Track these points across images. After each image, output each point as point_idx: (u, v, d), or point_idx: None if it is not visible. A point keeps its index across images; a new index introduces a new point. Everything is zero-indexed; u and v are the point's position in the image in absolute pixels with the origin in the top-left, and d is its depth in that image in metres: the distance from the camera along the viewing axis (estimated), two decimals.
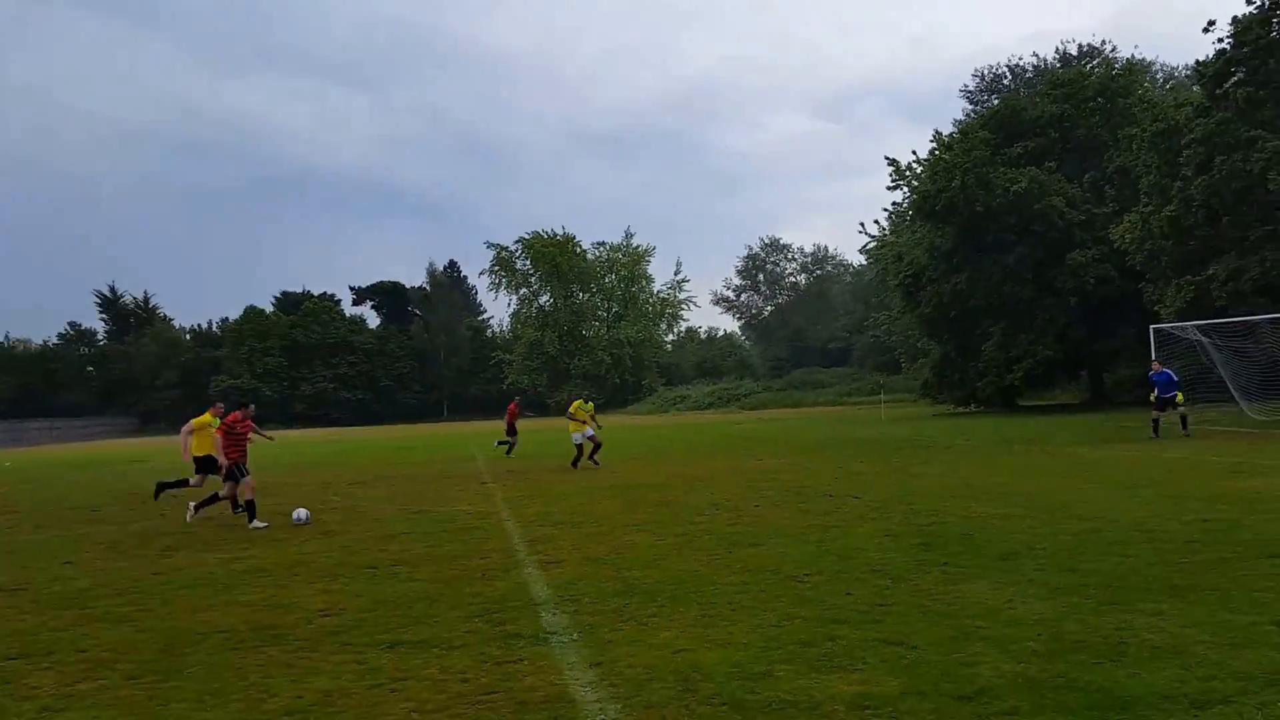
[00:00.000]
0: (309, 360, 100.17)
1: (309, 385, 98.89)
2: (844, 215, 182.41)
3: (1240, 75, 31.34)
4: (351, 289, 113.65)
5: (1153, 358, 27.71)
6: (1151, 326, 29.20)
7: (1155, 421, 22.60)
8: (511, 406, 29.05)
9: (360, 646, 6.61)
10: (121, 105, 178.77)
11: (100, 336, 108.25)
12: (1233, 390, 27.17)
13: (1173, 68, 65.36)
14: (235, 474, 13.88)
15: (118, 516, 15.97)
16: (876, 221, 71.95)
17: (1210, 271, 31.34)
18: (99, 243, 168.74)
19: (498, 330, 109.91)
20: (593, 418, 21.87)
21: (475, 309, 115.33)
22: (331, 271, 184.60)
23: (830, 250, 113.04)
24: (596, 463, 21.46)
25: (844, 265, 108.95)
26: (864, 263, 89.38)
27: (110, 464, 34.26)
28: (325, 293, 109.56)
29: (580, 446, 21.29)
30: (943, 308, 43.67)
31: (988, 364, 41.74)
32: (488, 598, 7.99)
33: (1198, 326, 27.72)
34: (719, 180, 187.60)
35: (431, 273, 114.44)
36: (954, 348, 44.60)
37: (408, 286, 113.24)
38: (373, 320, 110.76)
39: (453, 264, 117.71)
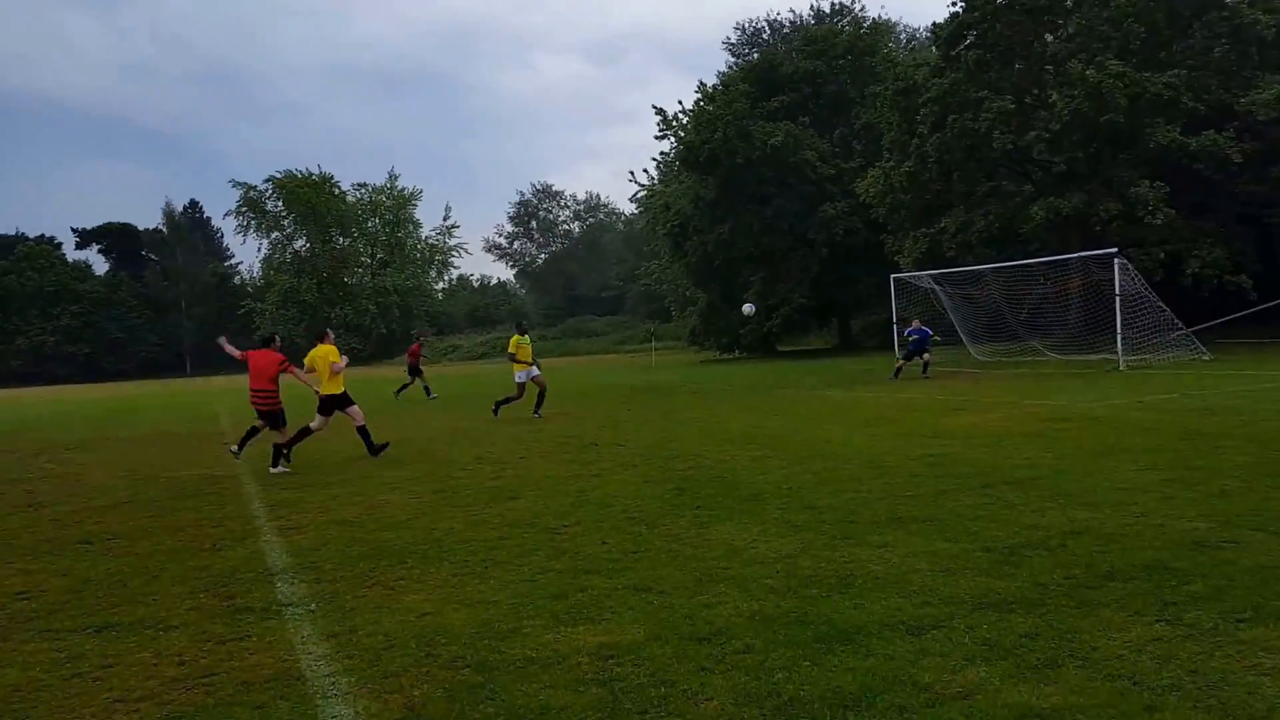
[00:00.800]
0: (23, 310, 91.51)
1: (24, 339, 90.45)
2: (615, 163, 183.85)
3: (971, 38, 33.48)
4: (74, 231, 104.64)
5: (893, 305, 29.58)
6: (892, 276, 31.03)
7: (899, 369, 24.09)
8: (415, 347, 29.40)
9: (61, 632, 6.00)
10: None
11: None
12: (961, 334, 29.38)
13: (914, 29, 69.36)
14: None
15: None
16: (646, 171, 73.26)
17: (942, 224, 33.60)
18: None
19: (248, 277, 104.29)
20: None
21: (221, 254, 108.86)
22: (50, 213, 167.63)
23: (602, 198, 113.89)
24: (539, 415, 18.96)
25: (616, 214, 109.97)
26: (635, 212, 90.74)
27: None
28: (43, 235, 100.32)
29: (522, 387, 19.17)
30: (707, 257, 44.88)
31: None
32: (216, 570, 7.46)
33: (931, 275, 29.72)
34: (488, 122, 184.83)
35: (169, 214, 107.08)
36: (719, 296, 45.99)
37: (140, 229, 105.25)
38: (100, 266, 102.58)
39: (194, 204, 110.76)
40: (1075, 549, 6.17)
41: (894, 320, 30.17)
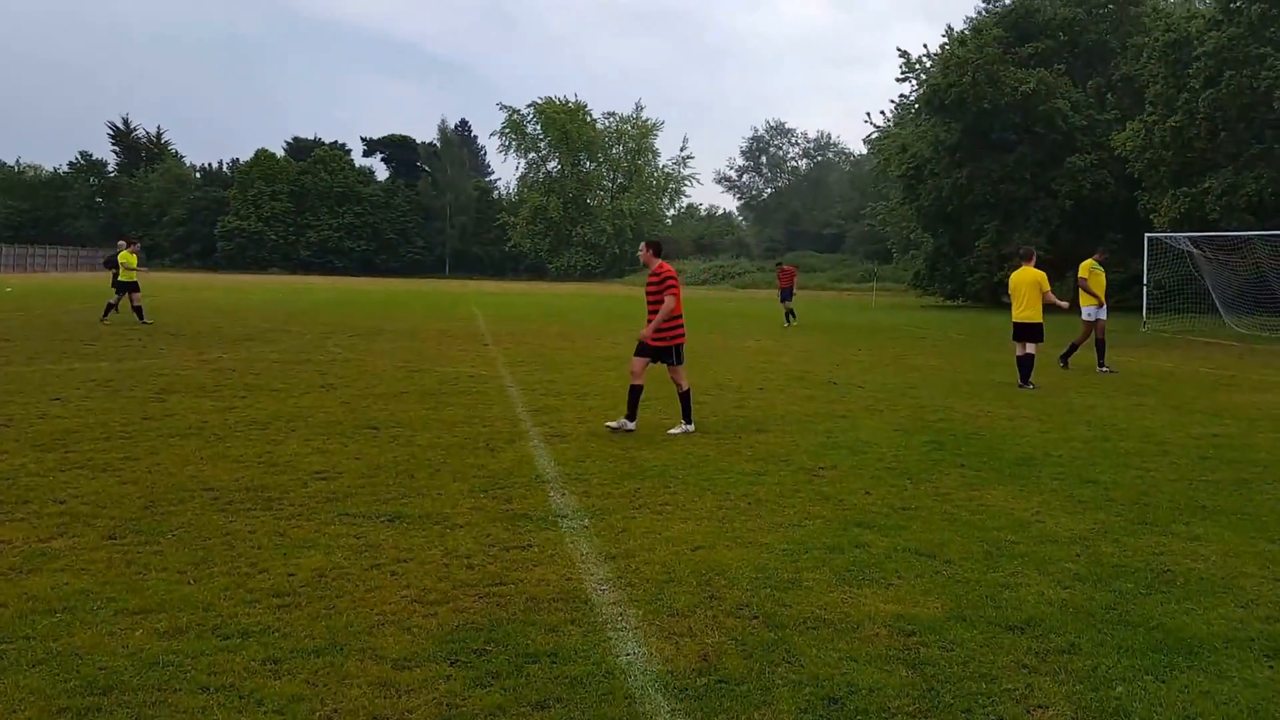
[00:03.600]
0: (315, 208, 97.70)
1: (314, 233, 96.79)
2: (848, 104, 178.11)
3: None
4: (363, 140, 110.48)
5: (1145, 266, 26.99)
6: (1147, 235, 28.30)
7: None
8: (790, 269, 28.27)
9: (358, 518, 5.96)
10: None
11: (111, 169, 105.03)
12: (1217, 302, 26.51)
13: None
14: None
15: (113, 352, 15.24)
16: (883, 113, 70.03)
17: (1207, 184, 30.28)
18: (116, 74, 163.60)
19: (504, 192, 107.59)
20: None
21: (483, 170, 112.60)
22: (344, 122, 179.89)
23: (833, 137, 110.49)
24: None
25: (844, 153, 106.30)
26: (865, 152, 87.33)
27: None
28: (336, 142, 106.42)
29: (1090, 327, 15.84)
30: (941, 201, 42.47)
31: (979, 259, 40.82)
32: (492, 471, 7.34)
33: (1189, 238, 26.86)
34: (728, 60, 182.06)
35: (443, 129, 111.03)
36: (948, 241, 43.52)
37: (418, 142, 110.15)
38: (381, 173, 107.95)
39: (464, 123, 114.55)
40: None
41: (1144, 282, 27.55)
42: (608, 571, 5.06)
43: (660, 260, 9.31)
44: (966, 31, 45.48)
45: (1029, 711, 3.52)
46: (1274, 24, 29.13)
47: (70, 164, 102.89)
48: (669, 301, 9.00)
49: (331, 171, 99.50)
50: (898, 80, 60.38)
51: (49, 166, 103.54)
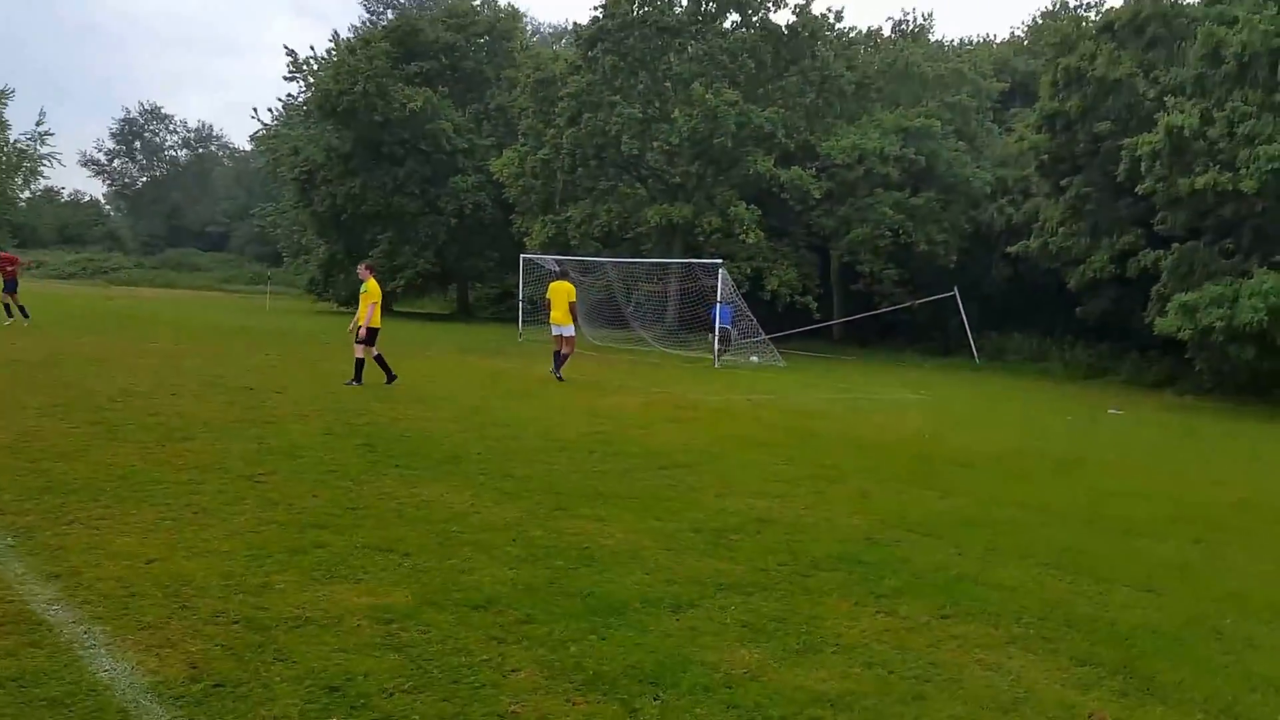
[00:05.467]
0: None
1: None
2: (228, 95, 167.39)
3: (608, 44, 34.51)
4: None
5: (521, 283, 29.99)
6: (522, 255, 31.47)
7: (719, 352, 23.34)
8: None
9: None
10: None
11: None
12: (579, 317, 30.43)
13: (539, 23, 70.74)
14: None
15: None
16: (270, 110, 67.99)
17: (569, 214, 34.57)
18: None
19: None
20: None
21: None
22: None
23: (215, 129, 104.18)
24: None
25: (228, 148, 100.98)
26: (250, 148, 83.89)
27: None
28: None
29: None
30: (336, 209, 42.63)
31: (375, 268, 41.82)
32: None
33: (555, 259, 30.49)
34: (88, 31, 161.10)
35: None
36: (343, 249, 43.87)
37: None
38: None
39: None
40: (770, 537, 6.65)
41: (519, 297, 30.62)
42: (55, 591, 4.67)
43: None
44: (354, 40, 46.35)
45: (505, 676, 4.08)
46: (622, 75, 34.20)
47: None
48: None
49: None
50: (285, 79, 59.25)
51: None
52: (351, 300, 43.68)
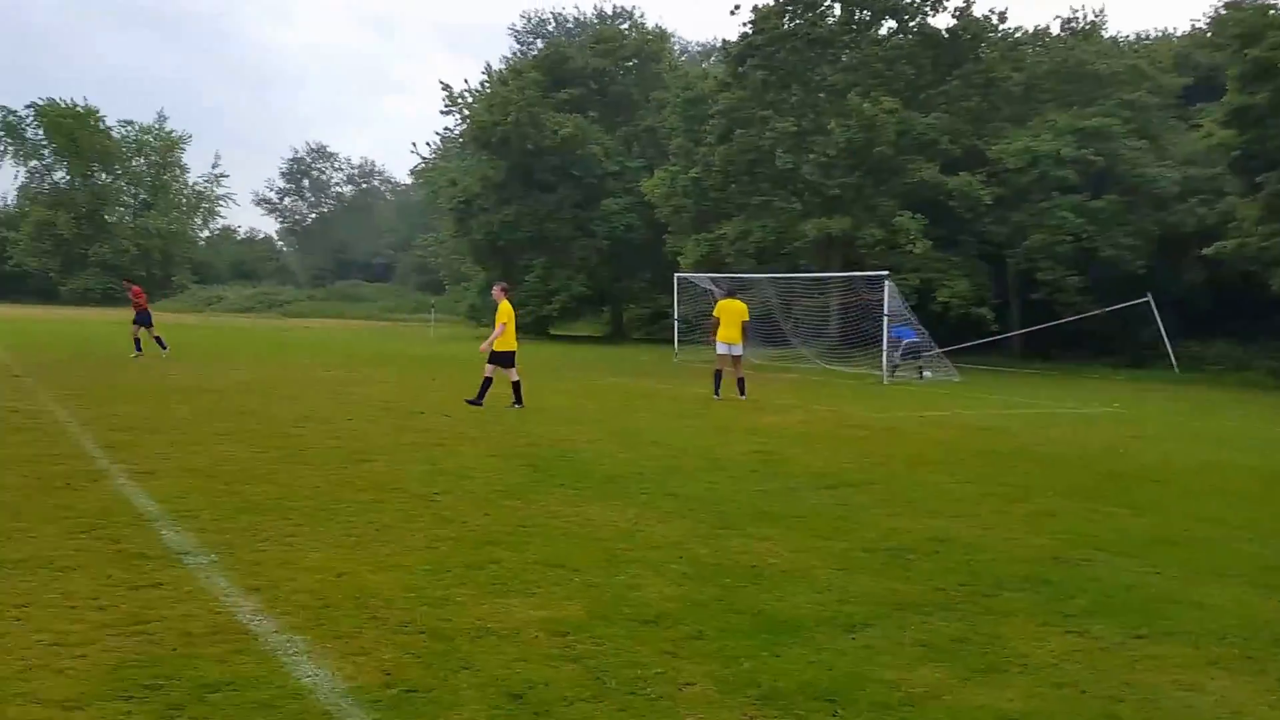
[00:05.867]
0: None
1: None
2: (388, 132, 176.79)
3: (757, 59, 34.67)
4: None
5: (675, 302, 30.29)
6: (676, 275, 31.83)
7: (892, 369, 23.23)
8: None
9: None
10: None
11: None
12: None
13: (686, 42, 71.49)
14: None
15: None
16: (429, 144, 71.35)
17: (723, 231, 34.79)
18: None
19: (0, 204, 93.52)
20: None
21: None
22: None
23: (377, 164, 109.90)
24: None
25: (390, 182, 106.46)
26: (410, 181, 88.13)
27: None
28: None
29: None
30: (492, 236, 44.34)
31: (529, 294, 43.11)
32: (82, 511, 6.75)
33: (711, 277, 30.74)
34: (257, 75, 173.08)
35: None
36: (499, 275, 45.44)
37: None
38: None
39: None
40: (949, 556, 6.51)
41: (675, 317, 30.97)
42: (257, 603, 5.01)
43: None
44: (505, 71, 48.16)
45: (680, 689, 4.16)
46: (773, 89, 34.29)
47: None
48: None
49: None
50: (442, 113, 62.07)
51: None
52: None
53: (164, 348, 22.15)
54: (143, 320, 22.26)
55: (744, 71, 34.74)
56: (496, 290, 15.36)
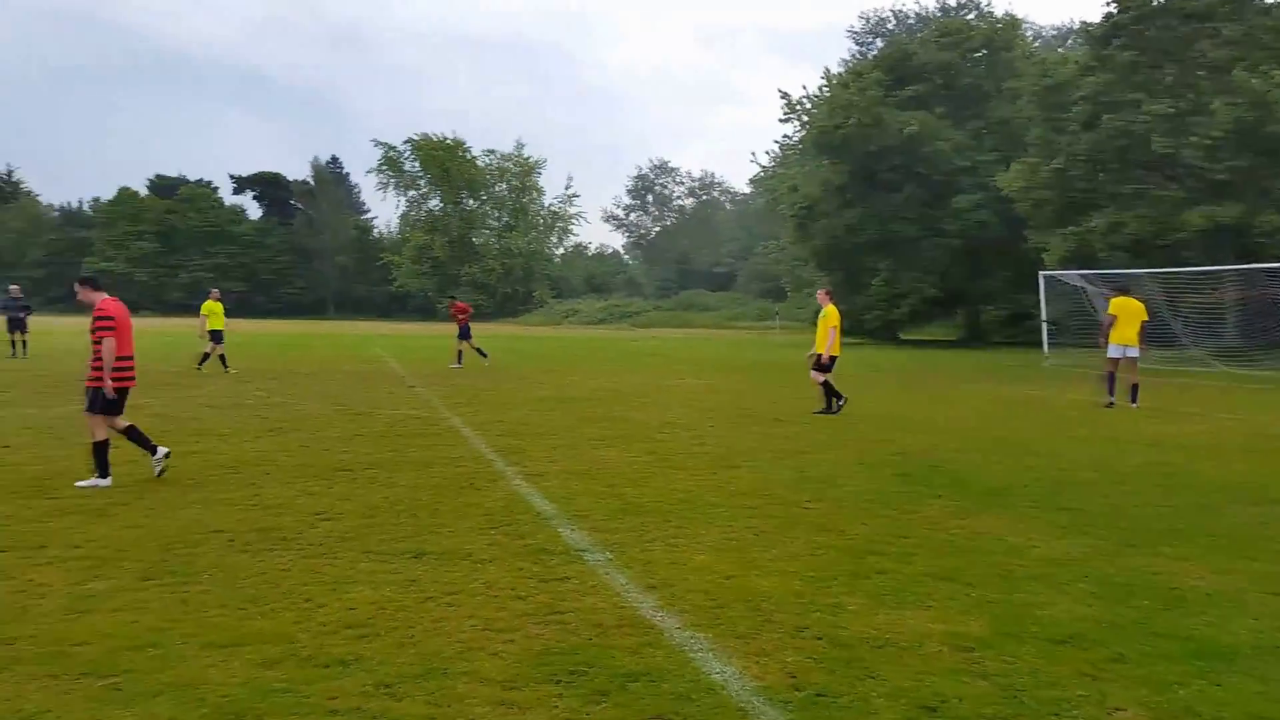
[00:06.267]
0: (185, 248, 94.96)
1: (186, 273, 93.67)
2: (725, 143, 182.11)
3: (1124, 39, 31.89)
4: (231, 177, 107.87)
5: (1042, 302, 28.52)
6: (1041, 273, 29.97)
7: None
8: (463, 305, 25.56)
9: (383, 555, 6.07)
10: None
11: None
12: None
13: (1039, 27, 66.97)
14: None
15: (35, 399, 14.67)
16: (767, 152, 72.44)
17: (1093, 223, 32.28)
18: None
19: (384, 231, 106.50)
20: None
21: (359, 208, 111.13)
22: (208, 159, 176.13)
23: (716, 176, 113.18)
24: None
25: (728, 191, 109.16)
26: (749, 190, 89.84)
27: None
28: (202, 179, 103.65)
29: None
30: (834, 241, 44.05)
31: (875, 298, 42.41)
32: (489, 509, 7.47)
33: (1083, 275, 28.58)
34: (602, 96, 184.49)
35: (316, 166, 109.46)
36: (843, 280, 45.13)
37: (289, 179, 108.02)
38: (253, 211, 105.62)
39: (335, 159, 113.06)
40: None
41: (1043, 318, 29.17)
42: (656, 600, 5.29)
43: (103, 295, 8.23)
44: (845, 74, 47.60)
45: (1109, 714, 3.90)
46: (1143, 70, 31.46)
47: None
48: (107, 342, 8.00)
49: (200, 210, 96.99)
50: (780, 120, 62.48)
51: None
52: (858, 330, 44.92)
53: (484, 356, 24.22)
54: (464, 334, 24.10)
55: (1109, 53, 32.22)
56: (821, 294, 15.10)
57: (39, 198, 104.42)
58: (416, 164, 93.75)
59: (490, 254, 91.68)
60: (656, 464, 9.74)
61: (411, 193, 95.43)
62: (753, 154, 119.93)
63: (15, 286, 26.28)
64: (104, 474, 7.97)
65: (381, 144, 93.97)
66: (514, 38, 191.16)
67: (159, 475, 8.27)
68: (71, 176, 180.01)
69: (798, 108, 58.44)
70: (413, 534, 6.62)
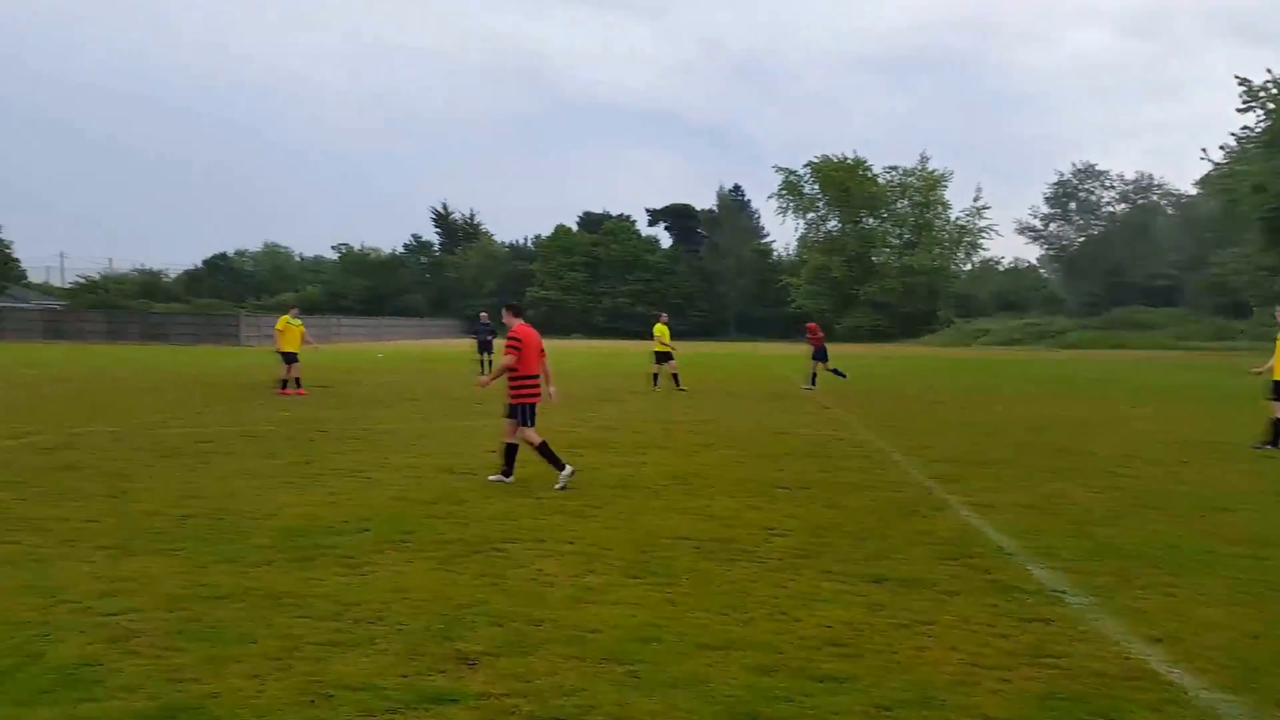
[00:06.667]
0: (607, 276, 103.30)
1: (608, 299, 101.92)
2: (1161, 140, 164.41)
3: None
4: (647, 211, 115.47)
5: None
6: None
7: None
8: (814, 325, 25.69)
9: (843, 576, 6.13)
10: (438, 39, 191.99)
11: (435, 248, 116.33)
12: None
13: None
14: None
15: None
16: (1222, 147, 64.11)
17: None
18: (432, 162, 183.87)
19: (781, 254, 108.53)
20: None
21: (758, 232, 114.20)
22: (626, 194, 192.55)
23: (1155, 178, 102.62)
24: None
25: (1170, 195, 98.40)
26: (1197, 192, 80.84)
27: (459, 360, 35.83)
28: (623, 213, 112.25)
29: None
30: None
31: None
32: (942, 538, 7.25)
33: None
34: (1012, 101, 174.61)
35: (720, 195, 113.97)
36: None
37: (697, 209, 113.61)
38: (664, 241, 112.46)
39: (737, 188, 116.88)
40: None
41: None
42: (1165, 654, 4.80)
43: (519, 321, 9.56)
44: None
45: None
46: None
47: (405, 245, 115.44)
48: (506, 359, 9.31)
49: (621, 241, 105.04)
50: (1239, 111, 55.00)
51: (385, 248, 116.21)
52: None
53: (843, 376, 23.94)
54: (819, 356, 23.89)
55: None
56: None
57: (494, 236, 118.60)
58: (816, 186, 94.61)
59: (889, 273, 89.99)
60: (1127, 502, 8.87)
61: (810, 215, 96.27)
62: (1203, 150, 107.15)
63: (484, 314, 30.09)
64: (508, 473, 9.30)
65: (782, 169, 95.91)
66: (911, 50, 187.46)
67: (560, 489, 8.92)
68: (520, 218, 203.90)
69: (1260, 94, 51.78)
70: (869, 557, 6.62)
